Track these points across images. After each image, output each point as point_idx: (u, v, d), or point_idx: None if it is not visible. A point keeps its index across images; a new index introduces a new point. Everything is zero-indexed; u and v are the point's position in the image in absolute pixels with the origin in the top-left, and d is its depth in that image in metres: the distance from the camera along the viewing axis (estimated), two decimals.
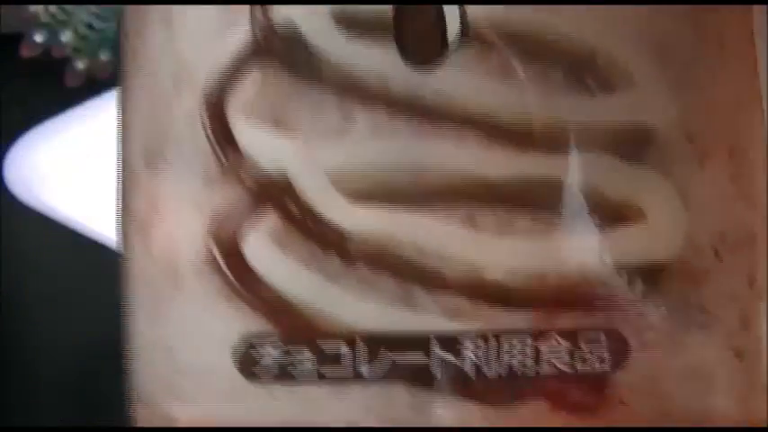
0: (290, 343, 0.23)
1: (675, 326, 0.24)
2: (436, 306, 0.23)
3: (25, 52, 0.49)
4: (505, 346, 0.23)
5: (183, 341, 0.24)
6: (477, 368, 0.23)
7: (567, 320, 0.23)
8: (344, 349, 0.23)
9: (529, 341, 0.23)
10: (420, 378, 0.23)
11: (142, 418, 0.24)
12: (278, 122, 0.24)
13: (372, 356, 0.23)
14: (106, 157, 0.37)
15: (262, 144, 0.24)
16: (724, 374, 0.24)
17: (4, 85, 0.48)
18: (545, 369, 0.23)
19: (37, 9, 0.48)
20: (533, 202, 0.23)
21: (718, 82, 0.24)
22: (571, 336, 0.23)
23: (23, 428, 0.30)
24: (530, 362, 0.23)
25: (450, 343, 0.23)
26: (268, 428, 0.28)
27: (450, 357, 0.23)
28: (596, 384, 0.23)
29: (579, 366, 0.23)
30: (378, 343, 0.23)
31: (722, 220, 0.24)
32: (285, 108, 0.24)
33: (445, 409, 0.23)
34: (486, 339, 0.23)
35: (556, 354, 0.23)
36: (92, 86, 0.44)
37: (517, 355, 0.23)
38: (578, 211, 0.23)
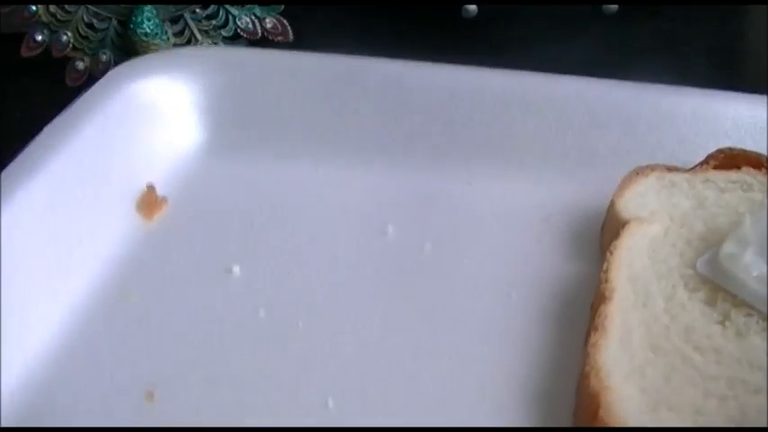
0: None
1: None
2: None
3: (26, 52, 0.49)
4: None
5: None
6: None
7: None
8: None
9: None
10: None
11: None
12: None
13: None
14: (106, 156, 0.37)
15: None
16: None
17: (5, 84, 0.48)
18: None
19: (37, 9, 0.48)
20: None
21: None
22: None
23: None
24: None
25: None
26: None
27: None
28: None
29: None
30: None
31: None
32: None
33: None
34: None
35: None
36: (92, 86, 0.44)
37: None
38: None
